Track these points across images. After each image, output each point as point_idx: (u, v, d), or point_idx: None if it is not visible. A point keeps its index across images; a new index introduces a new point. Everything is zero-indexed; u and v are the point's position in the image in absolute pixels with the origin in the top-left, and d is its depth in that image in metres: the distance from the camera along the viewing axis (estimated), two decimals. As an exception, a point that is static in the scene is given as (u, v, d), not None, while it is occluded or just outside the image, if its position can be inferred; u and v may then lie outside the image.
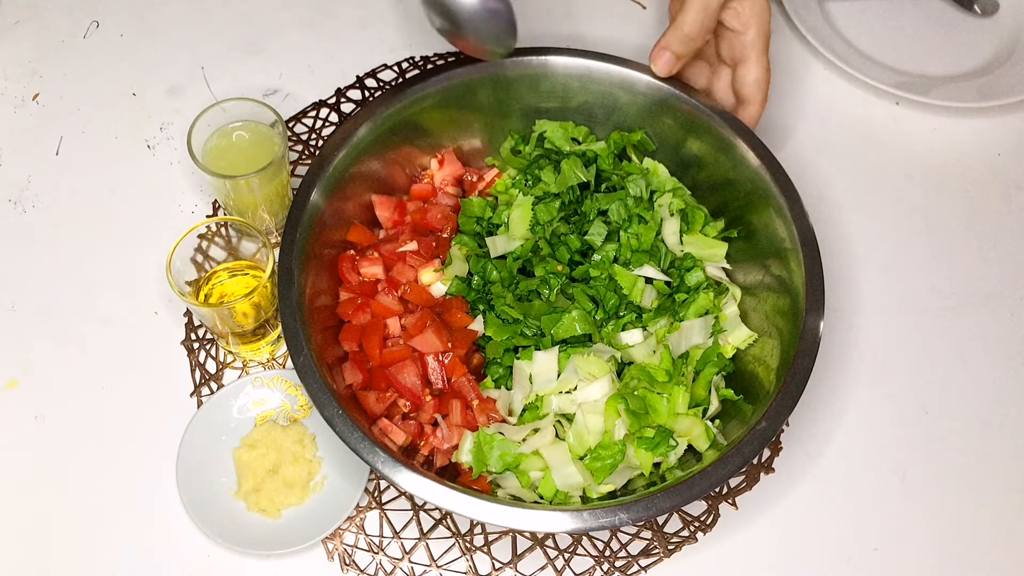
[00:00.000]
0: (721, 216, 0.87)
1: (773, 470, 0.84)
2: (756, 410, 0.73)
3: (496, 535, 0.80)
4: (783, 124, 1.02)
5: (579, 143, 0.89)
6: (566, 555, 0.79)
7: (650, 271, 0.81)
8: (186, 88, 1.02)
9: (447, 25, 0.80)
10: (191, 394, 0.85)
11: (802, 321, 0.74)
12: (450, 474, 0.76)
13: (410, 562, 0.78)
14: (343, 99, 1.02)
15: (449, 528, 0.80)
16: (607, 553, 0.79)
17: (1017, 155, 1.02)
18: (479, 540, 0.79)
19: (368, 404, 0.76)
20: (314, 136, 0.99)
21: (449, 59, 1.05)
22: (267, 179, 0.83)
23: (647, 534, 0.80)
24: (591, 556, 0.79)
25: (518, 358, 0.78)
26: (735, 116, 0.84)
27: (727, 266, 0.85)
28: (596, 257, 0.82)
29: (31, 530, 0.78)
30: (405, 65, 1.04)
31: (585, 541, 0.79)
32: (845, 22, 1.11)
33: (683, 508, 0.80)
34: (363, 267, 0.82)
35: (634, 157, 0.89)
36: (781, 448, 0.85)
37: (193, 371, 0.86)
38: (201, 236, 0.81)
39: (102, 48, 1.05)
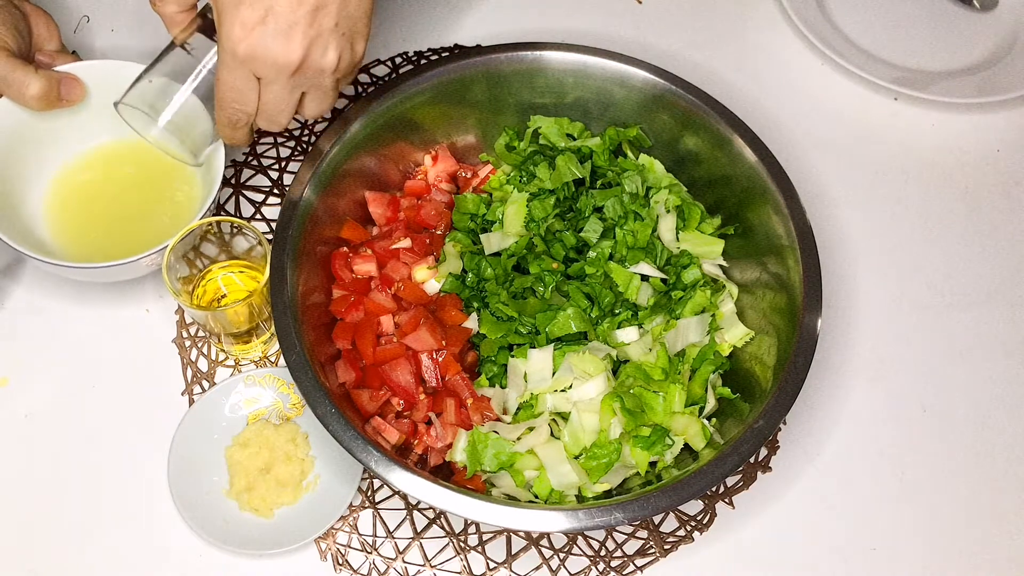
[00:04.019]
0: (718, 213, 0.86)
1: (770, 469, 0.83)
2: (753, 408, 0.72)
3: (490, 535, 0.79)
4: (780, 120, 1.01)
5: (574, 139, 0.88)
6: (561, 555, 0.78)
7: (646, 268, 0.80)
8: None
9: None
10: (182, 392, 0.84)
11: (800, 319, 0.74)
12: (444, 473, 0.75)
13: (404, 562, 0.77)
14: (337, 95, 1.01)
15: (443, 528, 0.79)
16: (602, 553, 0.78)
17: (1016, 151, 1.02)
18: (473, 540, 0.79)
19: (361, 402, 0.76)
20: (306, 132, 0.98)
21: (443, 55, 1.04)
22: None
23: (643, 534, 0.79)
24: (586, 556, 0.78)
25: (513, 356, 0.78)
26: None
27: (724, 263, 0.85)
28: (591, 254, 0.81)
29: (20, 529, 0.78)
30: (398, 60, 1.03)
31: (580, 541, 0.79)
32: (843, 17, 1.10)
33: (679, 507, 0.80)
34: (356, 264, 0.82)
35: (630, 153, 0.88)
36: (778, 447, 0.84)
37: (184, 369, 0.85)
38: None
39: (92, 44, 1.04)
